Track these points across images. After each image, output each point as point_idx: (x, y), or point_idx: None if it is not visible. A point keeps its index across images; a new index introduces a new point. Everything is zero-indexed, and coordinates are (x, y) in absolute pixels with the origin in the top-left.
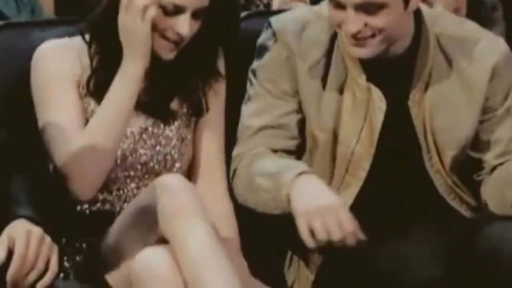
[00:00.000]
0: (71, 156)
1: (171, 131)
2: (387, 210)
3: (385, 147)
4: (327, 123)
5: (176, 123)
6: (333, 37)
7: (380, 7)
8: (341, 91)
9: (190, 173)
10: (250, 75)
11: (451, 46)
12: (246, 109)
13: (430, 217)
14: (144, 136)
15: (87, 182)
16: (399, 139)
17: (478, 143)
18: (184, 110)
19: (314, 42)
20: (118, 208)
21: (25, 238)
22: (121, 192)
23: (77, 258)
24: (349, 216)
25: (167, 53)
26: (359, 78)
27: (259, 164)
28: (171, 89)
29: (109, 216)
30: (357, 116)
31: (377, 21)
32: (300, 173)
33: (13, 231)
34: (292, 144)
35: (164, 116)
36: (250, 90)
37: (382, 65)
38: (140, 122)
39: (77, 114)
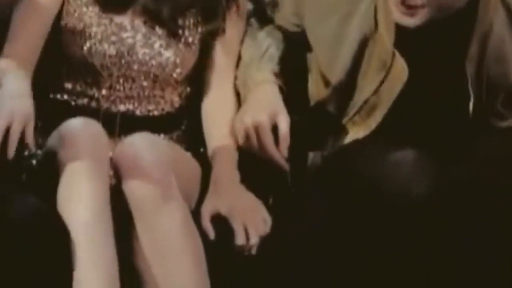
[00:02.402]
0: None
1: (178, 34)
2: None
3: (411, 99)
4: (341, 76)
5: (185, 28)
6: None
7: None
8: (363, 44)
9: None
10: None
11: None
12: None
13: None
14: (146, 32)
15: None
16: (437, 91)
17: None
18: (198, 18)
19: None
20: (103, 109)
21: None
22: (111, 91)
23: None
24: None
25: None
26: (387, 41)
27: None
28: (187, 4)
29: (92, 115)
30: (377, 74)
31: None
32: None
33: None
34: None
35: (171, 27)
36: None
37: (434, 27)
38: (145, 17)
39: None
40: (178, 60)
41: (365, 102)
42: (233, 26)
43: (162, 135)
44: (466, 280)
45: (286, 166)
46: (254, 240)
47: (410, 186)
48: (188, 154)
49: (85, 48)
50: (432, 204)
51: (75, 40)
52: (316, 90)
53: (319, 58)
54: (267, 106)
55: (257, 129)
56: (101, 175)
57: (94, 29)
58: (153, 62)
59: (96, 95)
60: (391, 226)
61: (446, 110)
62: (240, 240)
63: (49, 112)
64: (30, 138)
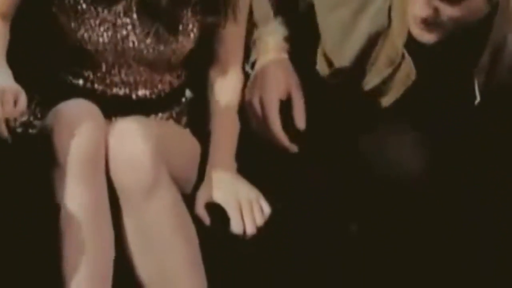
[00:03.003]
0: None
1: (176, 23)
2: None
3: (416, 93)
4: (346, 64)
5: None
6: None
7: None
8: (374, 39)
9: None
10: None
11: None
12: None
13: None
14: (143, 20)
15: None
16: (443, 89)
17: None
18: (197, 8)
19: None
20: (99, 91)
21: None
22: (107, 75)
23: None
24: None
25: None
26: (398, 40)
27: None
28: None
29: (87, 96)
30: (385, 69)
31: (453, 11)
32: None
33: None
34: None
35: (169, 16)
36: None
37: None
38: (142, 5)
39: None
40: (175, 47)
41: (370, 91)
42: (233, 18)
43: (160, 115)
44: (463, 260)
45: (291, 147)
46: (251, 230)
47: (406, 166)
48: (186, 132)
49: (79, 33)
50: (429, 184)
51: (70, 25)
52: (321, 69)
53: (327, 43)
54: (277, 83)
55: (263, 105)
56: (96, 161)
57: (88, 15)
58: (150, 49)
59: (91, 77)
60: (388, 205)
61: (450, 104)
62: (236, 229)
63: (47, 87)
64: (23, 105)
